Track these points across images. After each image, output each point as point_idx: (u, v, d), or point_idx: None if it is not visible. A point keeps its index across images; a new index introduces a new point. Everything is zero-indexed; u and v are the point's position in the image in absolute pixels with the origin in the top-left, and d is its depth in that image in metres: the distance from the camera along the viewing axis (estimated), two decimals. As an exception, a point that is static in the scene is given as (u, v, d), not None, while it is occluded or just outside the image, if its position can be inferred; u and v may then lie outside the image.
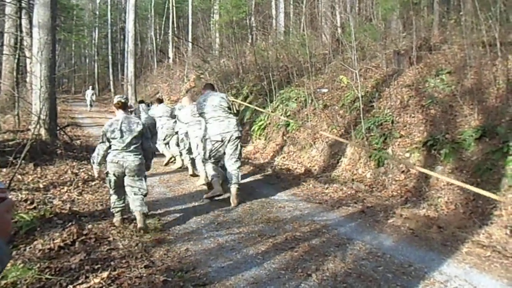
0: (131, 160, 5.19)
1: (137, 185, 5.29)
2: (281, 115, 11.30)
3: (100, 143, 5.27)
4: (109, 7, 40.02)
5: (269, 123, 11.72)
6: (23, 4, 15.13)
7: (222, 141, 6.34)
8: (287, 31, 17.25)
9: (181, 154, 9.20)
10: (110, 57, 38.51)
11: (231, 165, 6.39)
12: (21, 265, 3.93)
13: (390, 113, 8.59)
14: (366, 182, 7.69)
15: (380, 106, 9.12)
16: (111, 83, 36.38)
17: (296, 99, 11.37)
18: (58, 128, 11.11)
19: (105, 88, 39.56)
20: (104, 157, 5.27)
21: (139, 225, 5.09)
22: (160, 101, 10.49)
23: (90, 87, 27.85)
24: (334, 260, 4.23)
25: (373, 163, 7.98)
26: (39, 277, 3.69)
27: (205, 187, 7.20)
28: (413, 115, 8.31)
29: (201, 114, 6.52)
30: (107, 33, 40.41)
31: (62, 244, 4.49)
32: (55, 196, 6.44)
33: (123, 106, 5.35)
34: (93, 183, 7.46)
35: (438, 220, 5.57)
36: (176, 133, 9.07)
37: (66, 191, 6.76)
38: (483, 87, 7.72)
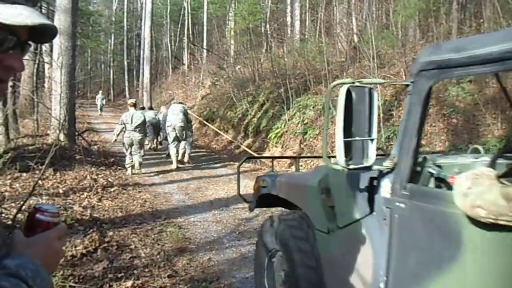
0: (137, 136, 9.31)
1: (138, 151, 9.34)
2: (298, 123, 11.26)
3: (119, 125, 9.54)
4: (125, 13, 40.48)
5: (286, 131, 11.67)
6: (43, 10, 15.34)
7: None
8: (303, 39, 17.23)
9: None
10: (125, 63, 38.88)
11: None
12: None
13: (410, 122, 8.48)
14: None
15: (400, 115, 9.03)
16: (127, 89, 36.72)
17: (313, 107, 11.32)
18: (76, 133, 11.20)
19: (120, 94, 39.93)
20: (119, 133, 9.51)
21: (136, 165, 9.36)
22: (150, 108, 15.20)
23: (100, 92, 28.33)
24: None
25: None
26: (62, 285, 3.68)
27: (223, 195, 7.32)
28: (434, 124, 8.21)
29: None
30: (123, 40, 40.84)
31: (84, 251, 4.48)
32: (75, 202, 6.45)
33: (134, 105, 9.78)
34: (112, 189, 7.48)
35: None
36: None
37: (86, 197, 6.78)
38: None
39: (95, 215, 5.87)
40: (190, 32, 29.54)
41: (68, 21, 10.00)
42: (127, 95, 34.84)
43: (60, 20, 9.97)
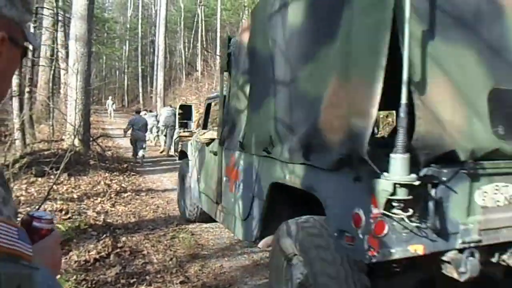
0: (140, 134, 11.92)
1: (141, 145, 11.95)
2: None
3: (127, 125, 12.13)
4: (140, 20, 40.98)
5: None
6: (59, 17, 15.58)
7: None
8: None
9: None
10: (140, 70, 39.29)
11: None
12: (58, 276, 3.94)
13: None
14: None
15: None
16: (140, 95, 37.05)
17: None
18: (91, 139, 11.31)
19: (134, 100, 40.33)
20: (127, 131, 12.04)
21: (139, 155, 12.01)
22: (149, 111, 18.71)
23: (110, 97, 28.85)
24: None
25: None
26: (76, 290, 3.70)
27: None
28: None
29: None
30: (138, 46, 41.33)
31: (97, 257, 4.50)
32: (88, 207, 6.50)
33: (138, 112, 13.74)
34: (126, 195, 7.53)
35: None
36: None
37: (100, 202, 6.83)
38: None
39: (108, 220, 5.90)
40: (204, 39, 29.77)
41: (84, 28, 10.14)
42: (141, 101, 35.18)
43: (76, 27, 10.12)
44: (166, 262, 4.49)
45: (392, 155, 2.05)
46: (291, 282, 2.86)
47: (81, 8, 10.09)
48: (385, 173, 2.06)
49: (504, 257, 2.54)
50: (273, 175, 3.16)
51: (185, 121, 6.85)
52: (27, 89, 15.09)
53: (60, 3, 14.83)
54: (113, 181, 8.51)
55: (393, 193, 2.06)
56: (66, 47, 15.18)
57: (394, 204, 2.09)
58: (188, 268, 4.36)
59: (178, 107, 7.88)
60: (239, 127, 3.94)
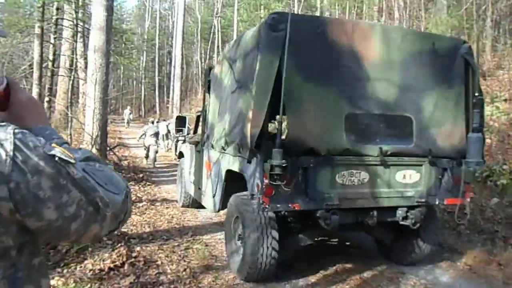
0: (152, 140, 13.22)
1: (153, 148, 13.19)
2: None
3: (141, 133, 13.92)
4: (157, 31, 41.51)
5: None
6: (79, 28, 15.90)
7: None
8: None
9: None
10: (157, 80, 39.72)
11: None
12: (73, 284, 3.97)
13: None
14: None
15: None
16: (157, 105, 37.40)
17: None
18: (108, 148, 11.44)
19: (150, 110, 40.71)
20: (140, 137, 13.83)
21: (151, 156, 13.30)
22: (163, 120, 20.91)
23: (128, 107, 29.16)
24: (389, 296, 4.05)
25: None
26: (90, 299, 3.72)
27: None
28: (467, 144, 7.99)
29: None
30: (155, 57, 41.82)
31: (112, 266, 4.52)
32: (104, 216, 6.54)
33: (152, 122, 16.32)
34: (141, 204, 7.57)
35: (497, 256, 5.25)
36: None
37: (115, 212, 6.87)
38: (544, 116, 7.37)
39: (123, 229, 5.93)
40: (220, 50, 29.97)
41: (103, 39, 10.30)
42: (158, 111, 35.51)
43: (95, 38, 10.29)
44: (179, 272, 4.49)
45: (273, 149, 3.55)
46: (235, 234, 4.48)
47: (100, 19, 10.26)
48: (269, 160, 3.54)
49: (366, 219, 4.20)
50: (227, 165, 4.70)
51: (181, 128, 8.51)
52: (46, 99, 15.41)
53: (80, 15, 15.12)
54: (129, 191, 8.55)
55: (272, 170, 3.51)
56: (85, 57, 15.45)
57: (276, 177, 3.55)
58: (201, 279, 4.36)
59: (175, 118, 9.79)
60: (212, 133, 5.44)
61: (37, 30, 16.11)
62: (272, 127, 4.85)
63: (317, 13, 22.25)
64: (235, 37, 27.33)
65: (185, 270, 4.56)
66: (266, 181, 3.60)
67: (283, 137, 3.71)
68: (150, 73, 44.50)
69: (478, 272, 4.84)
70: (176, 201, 8.14)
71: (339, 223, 3.91)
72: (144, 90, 43.78)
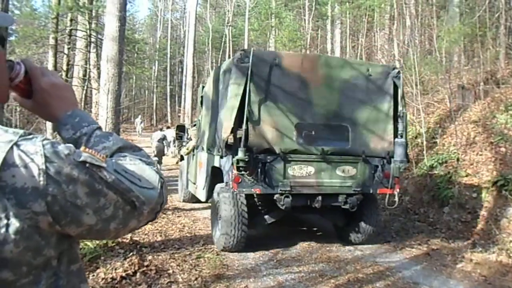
0: (161, 146, 14.85)
1: (161, 155, 14.76)
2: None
3: (150, 139, 16.19)
4: (169, 41, 41.89)
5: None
6: (92, 39, 16.10)
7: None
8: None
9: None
10: (168, 89, 39.98)
11: None
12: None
13: (455, 150, 8.20)
14: (428, 222, 7.33)
15: (444, 143, 8.75)
16: (169, 114, 37.61)
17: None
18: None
19: (162, 119, 40.92)
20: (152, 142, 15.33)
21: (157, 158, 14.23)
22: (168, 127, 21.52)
23: (140, 116, 29.37)
24: (403, 307, 4.00)
25: (436, 202, 7.61)
26: (102, 308, 3.72)
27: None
28: (480, 152, 7.89)
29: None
30: (166, 66, 42.14)
31: (124, 274, 4.53)
32: (116, 225, 6.57)
33: (161, 129, 18.65)
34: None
35: (513, 267, 5.16)
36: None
37: (127, 220, 6.89)
38: (559, 125, 7.26)
39: (135, 238, 5.94)
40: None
41: (115, 49, 10.40)
42: (169, 120, 35.70)
43: (108, 48, 10.39)
44: (191, 281, 4.48)
45: (239, 148, 4.91)
46: (218, 217, 5.59)
47: (113, 29, 10.36)
48: (236, 156, 4.88)
49: (313, 203, 5.41)
50: (212, 163, 6.07)
51: (180, 134, 9.91)
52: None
53: (93, 25, 15.32)
54: (141, 199, 8.59)
55: (238, 164, 4.85)
56: (98, 67, 15.62)
57: (241, 169, 4.88)
58: (213, 288, 4.34)
59: (176, 126, 11.56)
60: (204, 138, 6.77)
61: (51, 41, 16.33)
62: (239, 133, 5.50)
63: (328, 22, 22.28)
64: (246, 46, 27.47)
65: (196, 279, 4.55)
66: (234, 171, 4.96)
67: (248, 140, 5.03)
68: (162, 82, 44.81)
69: (493, 283, 4.76)
70: (187, 209, 8.15)
71: (292, 205, 5.20)
72: (156, 99, 44.08)
